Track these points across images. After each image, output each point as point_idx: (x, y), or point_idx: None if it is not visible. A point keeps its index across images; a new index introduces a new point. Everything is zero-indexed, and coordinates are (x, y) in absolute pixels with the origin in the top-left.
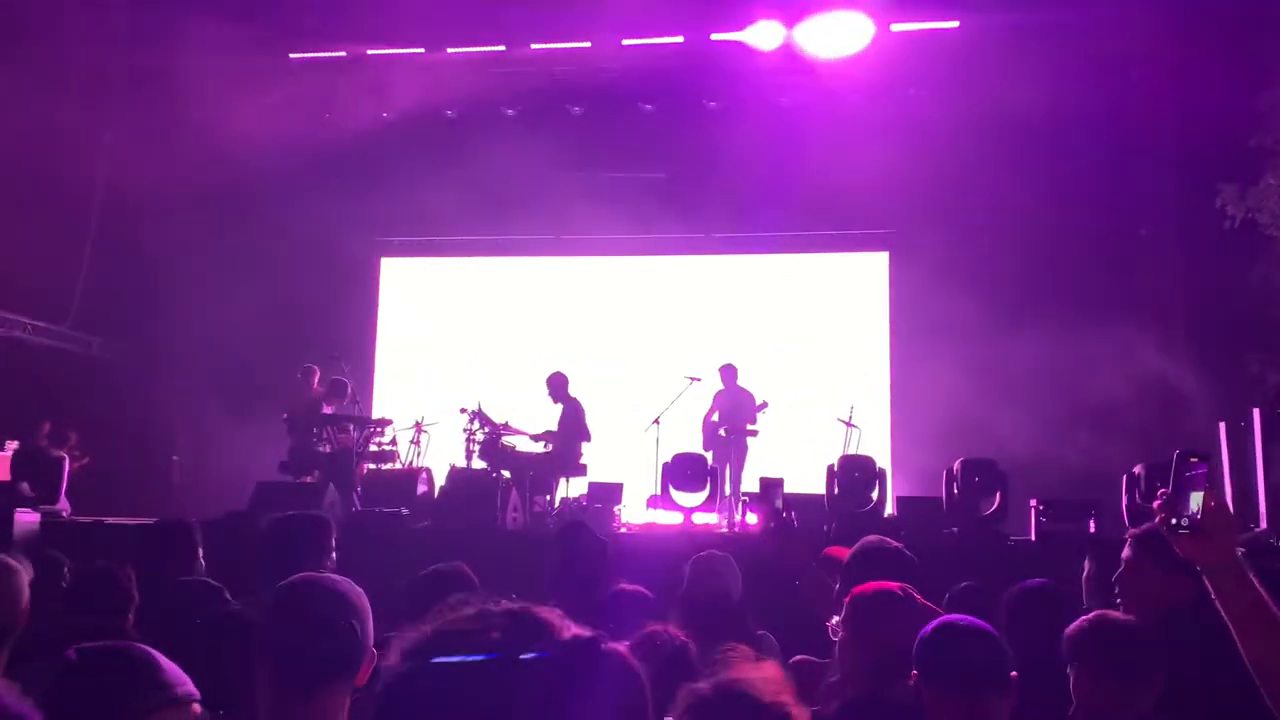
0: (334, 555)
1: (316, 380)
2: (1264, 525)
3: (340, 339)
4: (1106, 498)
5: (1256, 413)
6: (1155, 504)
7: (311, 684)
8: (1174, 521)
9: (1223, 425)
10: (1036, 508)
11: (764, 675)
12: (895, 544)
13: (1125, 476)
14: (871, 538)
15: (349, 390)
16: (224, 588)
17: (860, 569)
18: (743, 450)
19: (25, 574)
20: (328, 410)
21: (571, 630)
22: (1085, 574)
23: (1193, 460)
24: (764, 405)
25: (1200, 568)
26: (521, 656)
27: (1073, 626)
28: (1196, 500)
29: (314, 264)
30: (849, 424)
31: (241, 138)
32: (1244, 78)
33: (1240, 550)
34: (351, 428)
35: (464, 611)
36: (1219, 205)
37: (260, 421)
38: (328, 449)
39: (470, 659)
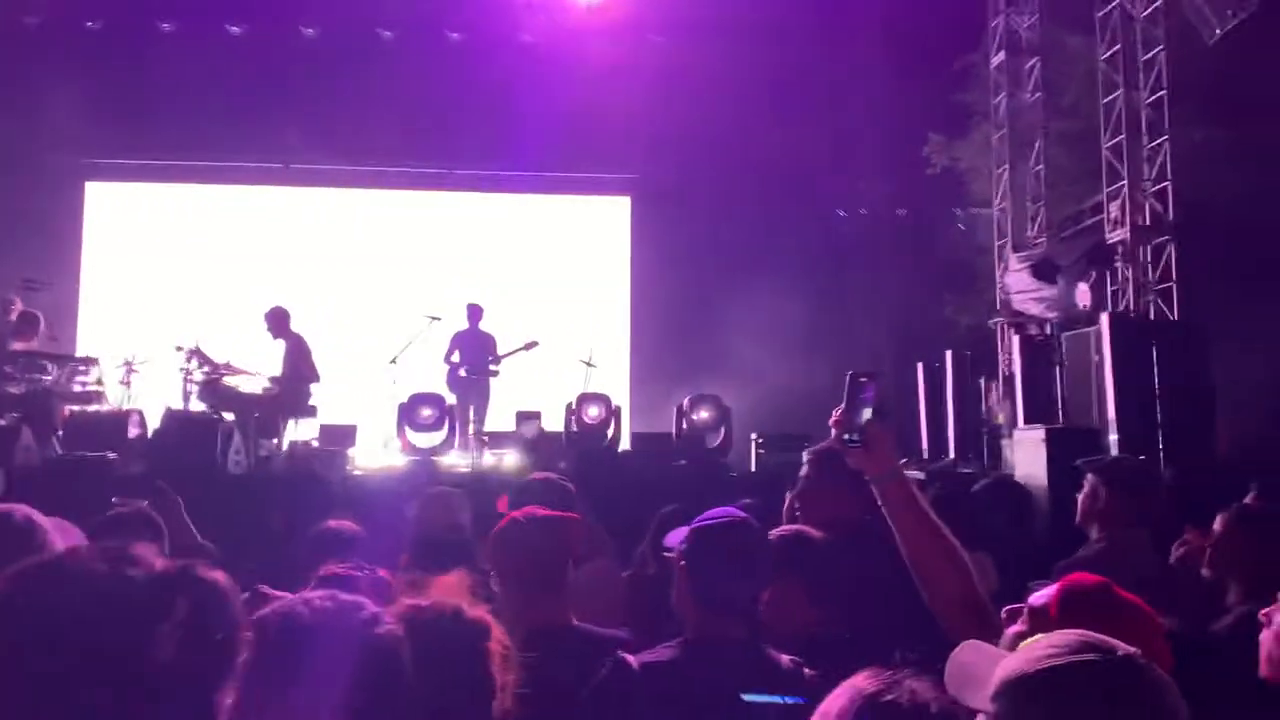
0: None
1: (15, 315)
2: (953, 455)
3: (39, 268)
4: (819, 431)
5: (949, 355)
6: (831, 421)
7: None
8: (846, 436)
9: (920, 365)
10: (756, 441)
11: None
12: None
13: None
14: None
15: (41, 324)
16: None
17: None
18: (485, 391)
19: None
20: (19, 346)
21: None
22: (786, 505)
23: (862, 380)
24: (534, 344)
25: (868, 478)
26: None
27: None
28: (866, 417)
29: (5, 185)
30: (589, 364)
31: None
32: (952, 47)
33: (902, 461)
34: (50, 366)
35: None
36: (925, 153)
37: None
38: (20, 390)
39: None
